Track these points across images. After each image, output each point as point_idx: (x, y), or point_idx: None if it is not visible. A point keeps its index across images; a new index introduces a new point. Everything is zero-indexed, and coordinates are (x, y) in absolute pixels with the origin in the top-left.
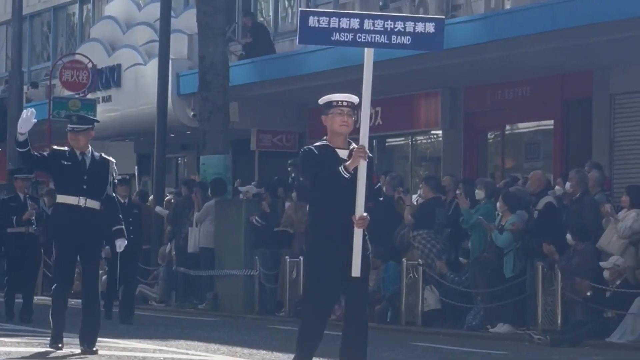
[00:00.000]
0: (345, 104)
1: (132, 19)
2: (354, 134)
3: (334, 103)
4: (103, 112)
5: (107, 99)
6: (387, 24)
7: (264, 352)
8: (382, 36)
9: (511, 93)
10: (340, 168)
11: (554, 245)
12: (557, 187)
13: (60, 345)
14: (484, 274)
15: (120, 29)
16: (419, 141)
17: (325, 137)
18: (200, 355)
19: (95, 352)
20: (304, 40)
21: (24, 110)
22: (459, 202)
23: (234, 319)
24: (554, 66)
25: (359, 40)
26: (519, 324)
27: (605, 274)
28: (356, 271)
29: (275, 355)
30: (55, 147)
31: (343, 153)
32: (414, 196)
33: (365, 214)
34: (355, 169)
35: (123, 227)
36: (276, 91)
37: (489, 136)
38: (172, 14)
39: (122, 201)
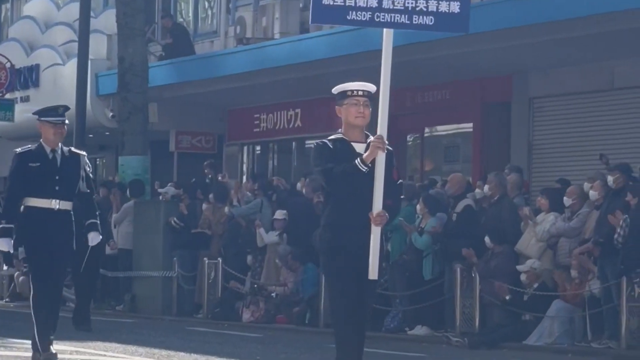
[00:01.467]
0: (361, 93)
1: (51, 18)
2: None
3: (349, 93)
4: (21, 113)
5: (26, 99)
6: (408, 3)
7: (182, 353)
8: (403, 16)
9: (431, 96)
10: (356, 161)
11: (472, 248)
12: (476, 190)
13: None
14: (403, 276)
15: (39, 28)
16: None
17: (339, 130)
18: (117, 357)
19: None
20: (317, 20)
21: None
22: None
23: (152, 320)
24: (474, 70)
25: (378, 20)
26: (437, 326)
27: (523, 277)
28: (374, 273)
29: (194, 357)
30: (17, 150)
31: (360, 147)
32: None
33: (383, 211)
34: (373, 162)
35: (98, 222)
36: (195, 92)
37: (408, 139)
38: (92, 14)
39: None
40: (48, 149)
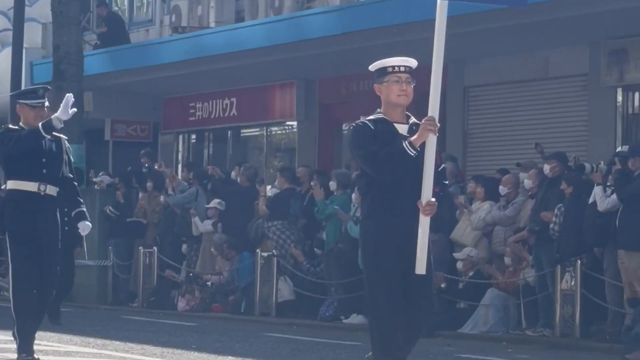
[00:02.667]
0: (403, 69)
1: None
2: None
3: (390, 69)
4: None
5: None
6: None
7: (117, 342)
8: None
9: (366, 85)
10: (404, 144)
11: None
12: None
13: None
14: (338, 265)
15: None
16: (273, 132)
17: (379, 110)
18: (52, 346)
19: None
20: None
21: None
22: (314, 193)
23: (87, 309)
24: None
25: None
26: None
27: (459, 265)
28: (421, 268)
29: (128, 346)
30: (10, 125)
31: (402, 128)
32: (269, 187)
33: (433, 200)
34: (422, 146)
35: (84, 209)
36: (131, 81)
37: (343, 127)
38: (27, 2)
39: None
40: None
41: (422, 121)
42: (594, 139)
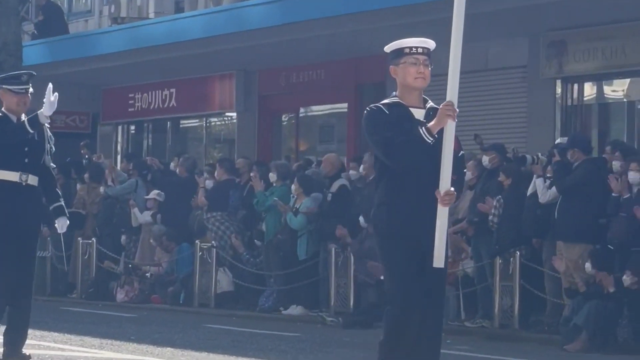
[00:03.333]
0: (420, 50)
1: None
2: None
3: (407, 50)
4: None
5: None
6: None
7: (56, 334)
8: None
9: (306, 76)
10: (421, 130)
11: (347, 228)
12: (350, 171)
13: None
14: (278, 256)
15: None
16: (213, 123)
17: (394, 93)
18: None
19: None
20: None
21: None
22: (253, 184)
23: None
24: (349, 50)
25: None
26: (311, 306)
27: None
28: (439, 260)
29: (67, 337)
30: None
31: (419, 113)
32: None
33: (452, 189)
34: (440, 133)
35: (63, 204)
36: (70, 72)
37: (283, 119)
38: None
39: None
40: (14, 118)
41: (441, 106)
42: (533, 131)
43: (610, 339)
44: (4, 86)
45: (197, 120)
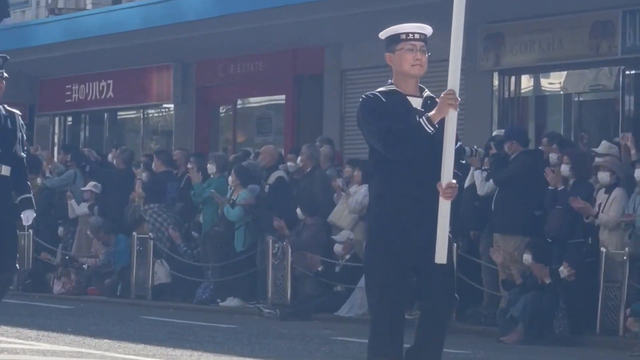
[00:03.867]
0: (417, 36)
1: None
2: None
3: (403, 36)
4: None
5: None
6: None
7: None
8: None
9: (243, 67)
10: (421, 120)
11: (284, 219)
12: (288, 163)
13: None
14: (215, 247)
15: None
16: (150, 115)
17: (390, 81)
18: None
19: None
20: None
21: None
22: (191, 176)
23: None
24: (287, 41)
25: None
26: (249, 298)
27: (337, 247)
28: (442, 256)
29: (3, 329)
30: None
31: (416, 101)
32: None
33: (454, 182)
34: (441, 123)
35: (32, 195)
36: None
37: (220, 110)
38: None
39: None
40: None
41: (442, 95)
42: (471, 123)
43: (547, 330)
44: None
45: (134, 112)
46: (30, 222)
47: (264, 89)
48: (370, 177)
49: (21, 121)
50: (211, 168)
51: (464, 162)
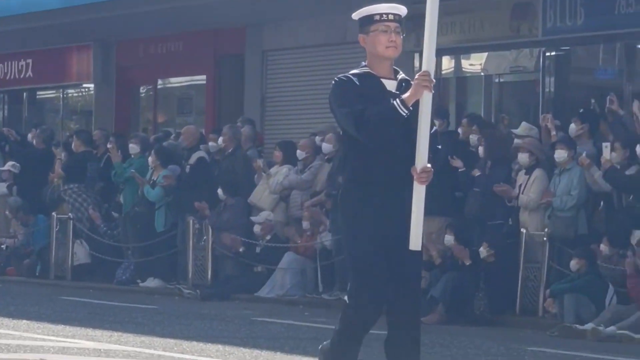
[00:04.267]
0: (392, 17)
1: None
2: None
3: (377, 17)
4: None
5: None
6: None
7: None
8: None
9: (164, 47)
10: (395, 102)
11: (205, 200)
12: (210, 143)
13: None
14: (135, 228)
15: None
16: (70, 94)
17: (363, 63)
18: None
19: None
20: None
21: None
22: (111, 156)
23: None
24: (208, 21)
25: None
26: (169, 278)
27: (256, 228)
28: (417, 243)
29: None
30: None
31: (390, 84)
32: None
33: (429, 166)
34: (415, 105)
35: None
36: None
37: (141, 90)
38: None
39: None
40: None
41: (416, 76)
42: None
43: (467, 310)
44: None
45: (54, 92)
46: None
47: (184, 69)
48: (342, 161)
49: None
50: (134, 148)
51: (439, 147)
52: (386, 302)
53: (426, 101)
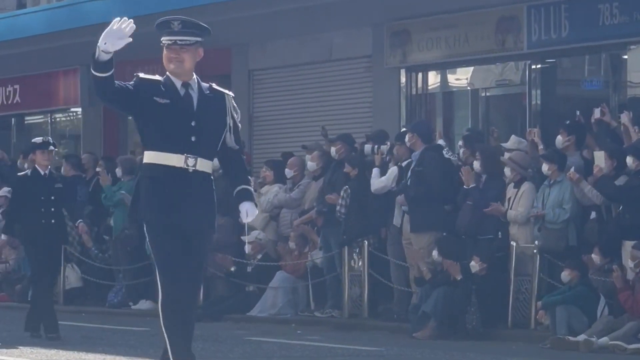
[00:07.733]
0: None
1: None
2: None
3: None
4: None
5: None
6: None
7: None
8: None
9: (151, 70)
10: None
11: None
12: None
13: None
14: (126, 251)
15: None
16: (58, 119)
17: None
18: None
19: None
20: None
21: (116, 20)
22: (101, 179)
23: None
24: None
25: None
26: None
27: (247, 248)
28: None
29: None
30: (142, 74)
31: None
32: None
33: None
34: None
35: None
36: None
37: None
38: None
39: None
40: (178, 82)
41: None
42: (379, 120)
43: (459, 325)
44: None
45: (42, 116)
46: (249, 219)
47: None
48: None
49: (232, 103)
50: (119, 171)
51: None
52: None
53: None
